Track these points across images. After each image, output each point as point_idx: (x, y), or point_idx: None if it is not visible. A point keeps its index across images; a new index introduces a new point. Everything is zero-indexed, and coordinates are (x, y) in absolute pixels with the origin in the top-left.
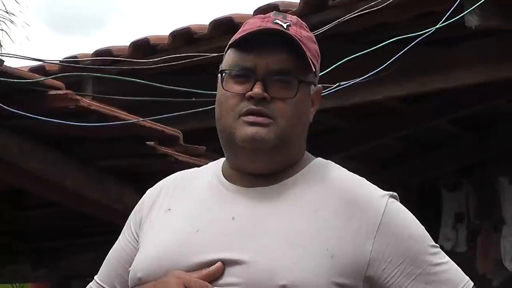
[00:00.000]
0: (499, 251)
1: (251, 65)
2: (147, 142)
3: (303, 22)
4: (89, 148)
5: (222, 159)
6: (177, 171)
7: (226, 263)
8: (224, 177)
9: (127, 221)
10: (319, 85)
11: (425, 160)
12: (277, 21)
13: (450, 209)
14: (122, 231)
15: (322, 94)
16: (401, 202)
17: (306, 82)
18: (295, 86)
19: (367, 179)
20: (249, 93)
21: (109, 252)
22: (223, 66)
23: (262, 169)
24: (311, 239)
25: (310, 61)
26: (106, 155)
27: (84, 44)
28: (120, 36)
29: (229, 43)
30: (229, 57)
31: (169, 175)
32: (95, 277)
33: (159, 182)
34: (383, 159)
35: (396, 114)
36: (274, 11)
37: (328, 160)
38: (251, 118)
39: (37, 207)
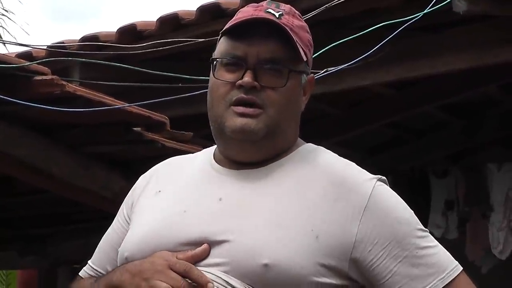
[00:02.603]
0: (487, 238)
1: (242, 53)
2: (134, 128)
3: (296, 11)
4: (76, 134)
5: (215, 146)
6: (164, 157)
7: (211, 244)
8: (215, 161)
9: (121, 205)
10: (311, 74)
11: (414, 146)
12: (270, 10)
13: (439, 196)
14: (116, 215)
15: None
16: (391, 188)
17: (296, 71)
18: (285, 75)
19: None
20: (239, 81)
21: (103, 236)
22: (215, 54)
23: (251, 159)
24: (295, 219)
25: (301, 50)
26: (93, 141)
27: (80, 33)
28: (116, 24)
29: (221, 31)
30: (221, 45)
31: (156, 161)
32: (89, 260)
33: (152, 167)
34: (372, 146)
35: (385, 100)
36: (268, 0)
37: (318, 146)
38: (240, 109)
39: (24, 194)
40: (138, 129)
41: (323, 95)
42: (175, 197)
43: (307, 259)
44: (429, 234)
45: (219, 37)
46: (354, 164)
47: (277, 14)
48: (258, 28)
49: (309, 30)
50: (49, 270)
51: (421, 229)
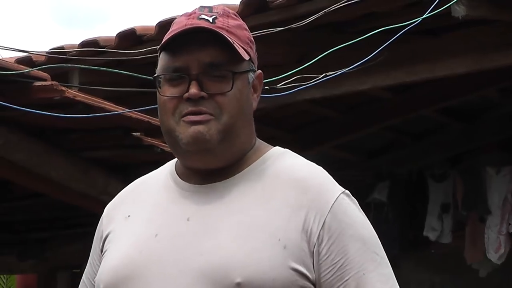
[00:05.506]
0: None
1: (183, 65)
2: (133, 133)
3: (231, 11)
4: (75, 139)
5: (176, 159)
6: (163, 162)
7: (183, 266)
8: (178, 176)
9: (93, 239)
10: (259, 71)
11: (413, 149)
12: (203, 16)
13: (436, 199)
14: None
15: (310, 85)
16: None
17: (240, 72)
18: (230, 78)
19: (354, 169)
20: (186, 94)
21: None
22: (157, 71)
23: (213, 165)
24: (263, 231)
25: (242, 49)
26: (92, 146)
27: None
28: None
29: (158, 48)
30: (162, 61)
31: (154, 166)
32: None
33: (117, 194)
34: (370, 149)
35: (384, 104)
36: (200, 6)
37: (285, 149)
38: (190, 118)
39: (23, 198)
40: (137, 134)
41: (323, 99)
42: (145, 220)
43: (279, 270)
44: (385, 260)
45: (158, 53)
46: (322, 170)
47: (210, 19)
48: (194, 37)
49: (247, 27)
50: (48, 274)
51: (375, 253)
